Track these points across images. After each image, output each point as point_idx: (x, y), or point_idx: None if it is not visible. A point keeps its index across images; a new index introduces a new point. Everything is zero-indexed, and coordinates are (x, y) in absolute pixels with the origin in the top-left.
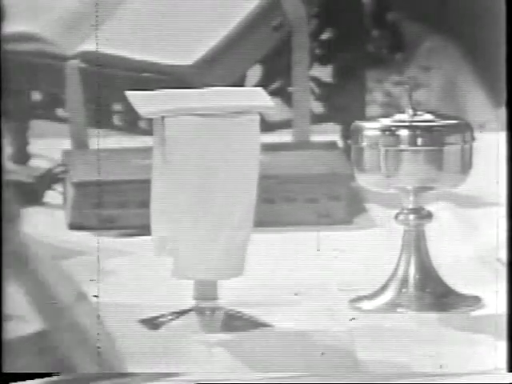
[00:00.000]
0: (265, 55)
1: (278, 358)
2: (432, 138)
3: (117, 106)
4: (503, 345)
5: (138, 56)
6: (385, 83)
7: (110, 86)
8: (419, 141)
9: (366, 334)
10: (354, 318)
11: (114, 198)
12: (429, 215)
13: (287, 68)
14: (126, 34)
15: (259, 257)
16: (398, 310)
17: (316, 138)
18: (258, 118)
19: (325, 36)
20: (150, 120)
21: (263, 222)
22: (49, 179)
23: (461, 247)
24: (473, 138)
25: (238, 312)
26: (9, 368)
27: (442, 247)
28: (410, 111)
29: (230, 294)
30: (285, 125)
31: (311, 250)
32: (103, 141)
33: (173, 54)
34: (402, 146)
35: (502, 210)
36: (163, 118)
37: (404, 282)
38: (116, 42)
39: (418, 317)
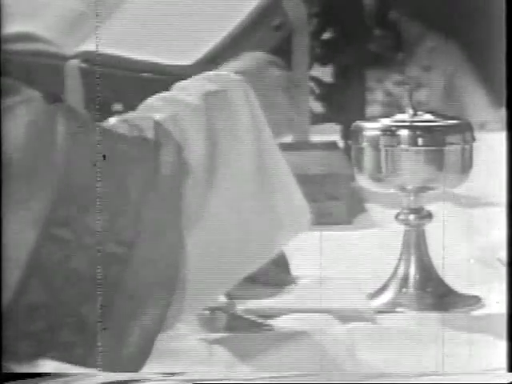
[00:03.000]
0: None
1: (278, 357)
2: (432, 137)
3: (117, 106)
4: (503, 345)
5: (137, 56)
6: (385, 83)
7: (109, 86)
8: (419, 141)
9: (366, 334)
10: None
11: None
12: (429, 215)
13: (288, 68)
14: (126, 33)
15: None
16: (399, 309)
17: (316, 138)
18: None
19: (325, 36)
20: None
21: None
22: None
23: (461, 247)
24: (473, 138)
25: (238, 311)
26: None
27: (442, 247)
28: (411, 111)
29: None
30: None
31: (311, 249)
32: None
33: (173, 53)
34: (403, 146)
35: (502, 210)
36: None
37: (404, 281)
38: (116, 41)
39: (418, 316)
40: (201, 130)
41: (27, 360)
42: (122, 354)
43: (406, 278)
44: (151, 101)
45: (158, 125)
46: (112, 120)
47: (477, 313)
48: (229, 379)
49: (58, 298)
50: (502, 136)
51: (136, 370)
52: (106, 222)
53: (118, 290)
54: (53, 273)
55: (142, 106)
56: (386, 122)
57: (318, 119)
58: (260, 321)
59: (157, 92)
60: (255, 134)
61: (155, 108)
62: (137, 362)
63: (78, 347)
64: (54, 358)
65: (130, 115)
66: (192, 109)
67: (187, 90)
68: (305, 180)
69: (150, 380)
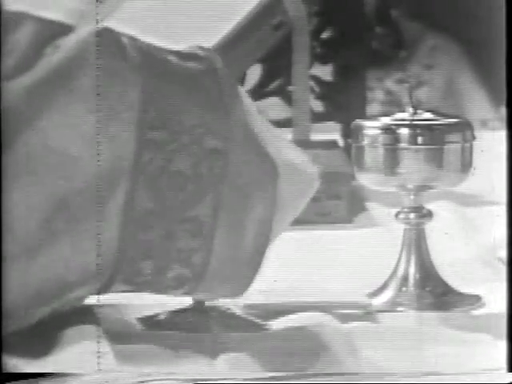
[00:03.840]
0: (265, 54)
1: (277, 357)
2: (432, 136)
3: None
4: (503, 344)
5: None
6: (386, 81)
7: None
8: (419, 139)
9: (366, 333)
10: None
11: None
12: (429, 214)
13: (287, 67)
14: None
15: None
16: (398, 308)
17: (316, 136)
18: None
19: (325, 35)
20: None
21: None
22: None
23: (461, 246)
24: (473, 137)
25: (238, 311)
26: None
27: (443, 246)
28: (411, 110)
29: None
30: (285, 124)
31: (311, 248)
32: None
33: None
34: (403, 145)
35: (502, 209)
36: None
37: (404, 280)
38: None
39: (418, 316)
40: None
41: (152, 276)
42: (238, 258)
43: (405, 277)
44: None
45: (202, 48)
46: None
47: (477, 312)
48: (229, 379)
49: (167, 203)
50: (503, 134)
51: (250, 279)
52: (198, 118)
53: (225, 186)
54: (157, 178)
55: None
56: (386, 120)
57: (318, 118)
58: (257, 320)
59: None
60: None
61: None
62: (251, 269)
63: (196, 253)
64: (172, 269)
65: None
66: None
67: None
68: None
69: (150, 380)
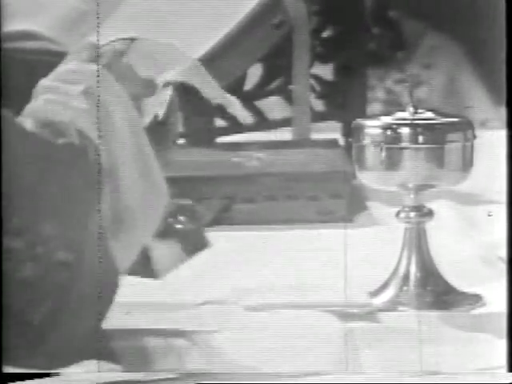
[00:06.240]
0: (266, 53)
1: (279, 357)
2: (433, 135)
3: None
4: (503, 344)
5: None
6: (386, 81)
7: None
8: (420, 138)
9: (366, 333)
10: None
11: None
12: (430, 213)
13: (288, 66)
14: (126, 32)
15: (260, 254)
16: (399, 308)
17: (317, 135)
18: None
19: (326, 34)
20: None
21: (264, 219)
22: None
23: (462, 245)
24: (474, 136)
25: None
26: None
27: (443, 245)
28: (411, 109)
29: (231, 294)
30: (285, 123)
31: (312, 247)
32: None
33: None
34: (403, 144)
35: (503, 208)
36: None
37: (405, 279)
38: (116, 39)
39: (419, 315)
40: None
41: None
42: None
43: (406, 277)
44: (39, 104)
45: (80, 131)
46: (28, 123)
47: (477, 311)
48: (229, 379)
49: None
50: (503, 134)
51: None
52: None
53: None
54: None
55: (29, 109)
56: (387, 119)
57: (319, 117)
58: None
59: None
60: (132, 137)
61: (47, 111)
62: None
63: (21, 349)
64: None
65: (49, 120)
66: (83, 112)
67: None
68: (306, 178)
69: (150, 380)
